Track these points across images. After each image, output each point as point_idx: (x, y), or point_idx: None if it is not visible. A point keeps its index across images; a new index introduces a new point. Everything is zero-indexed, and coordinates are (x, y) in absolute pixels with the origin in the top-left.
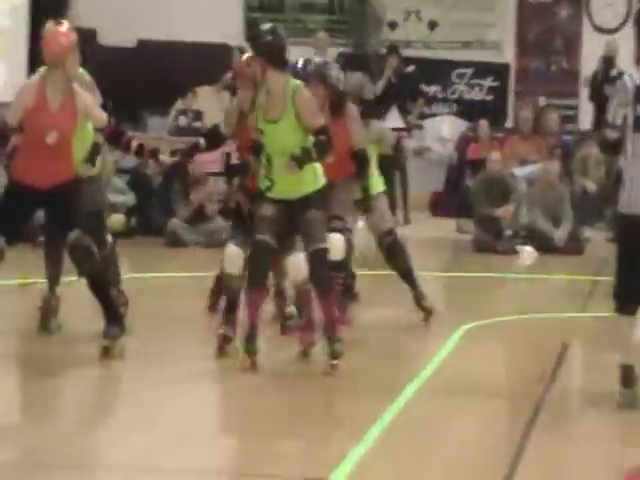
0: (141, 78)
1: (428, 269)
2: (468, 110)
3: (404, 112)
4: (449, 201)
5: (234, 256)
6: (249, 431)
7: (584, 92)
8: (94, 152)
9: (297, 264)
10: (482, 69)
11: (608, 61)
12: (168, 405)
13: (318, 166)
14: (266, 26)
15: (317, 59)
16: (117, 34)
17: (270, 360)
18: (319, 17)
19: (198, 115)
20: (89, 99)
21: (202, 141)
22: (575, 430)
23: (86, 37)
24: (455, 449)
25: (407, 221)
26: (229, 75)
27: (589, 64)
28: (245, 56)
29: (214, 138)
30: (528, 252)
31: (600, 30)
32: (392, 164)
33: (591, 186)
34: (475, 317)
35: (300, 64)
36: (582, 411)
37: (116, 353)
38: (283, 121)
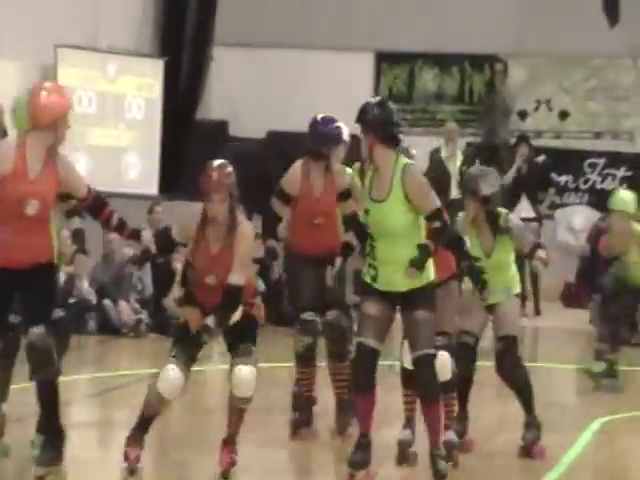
0: (271, 167)
1: (561, 361)
2: (601, 200)
3: (535, 202)
4: (582, 292)
5: (173, 380)
6: None
7: None
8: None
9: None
10: (615, 159)
11: None
12: None
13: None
14: (374, 99)
15: (474, 169)
16: (249, 125)
17: None
18: (448, 107)
19: None
20: (72, 164)
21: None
22: None
23: (218, 128)
24: None
25: (538, 312)
26: (357, 165)
27: None
28: (223, 167)
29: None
30: None
31: None
32: (523, 255)
33: None
34: (611, 411)
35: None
36: None
37: None
38: (390, 200)
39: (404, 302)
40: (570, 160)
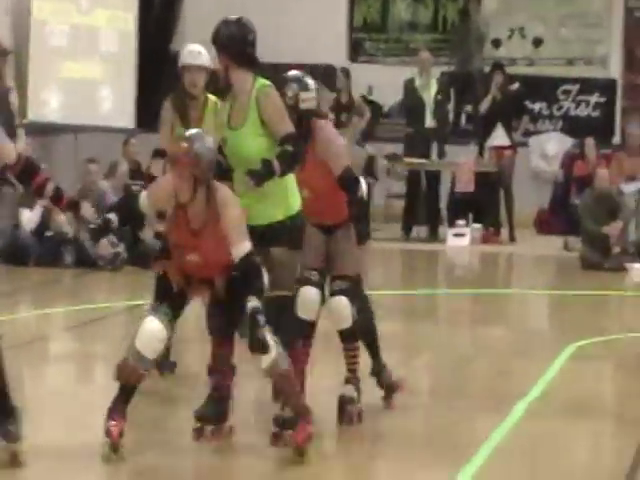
0: None
1: (535, 287)
2: (574, 127)
3: (509, 130)
4: (556, 219)
5: (153, 333)
6: (360, 453)
7: None
8: None
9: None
10: (588, 85)
11: None
12: None
13: (291, 187)
14: (231, 17)
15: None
16: None
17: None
18: (422, 36)
19: None
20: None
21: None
22: None
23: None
24: (563, 471)
25: (512, 239)
26: (333, 95)
27: None
28: (183, 142)
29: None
30: (637, 269)
31: None
32: (496, 182)
33: None
34: (583, 336)
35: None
36: None
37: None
38: (246, 126)
39: (262, 237)
40: (544, 87)
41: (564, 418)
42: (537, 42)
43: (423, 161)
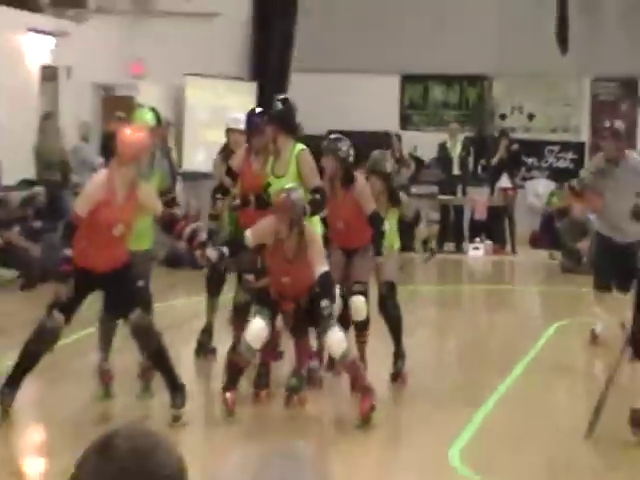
0: None
1: (529, 285)
2: (556, 175)
3: (512, 177)
4: (544, 238)
5: (259, 330)
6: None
7: None
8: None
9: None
10: (566, 146)
11: None
12: None
13: (315, 222)
14: (280, 96)
15: (332, 135)
16: (316, 126)
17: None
18: (452, 112)
19: None
20: (150, 190)
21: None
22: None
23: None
24: (550, 410)
25: (514, 251)
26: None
27: None
28: (283, 194)
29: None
30: None
31: None
32: (503, 213)
33: None
34: (563, 318)
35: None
36: None
37: (183, 421)
38: (287, 177)
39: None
40: (535, 147)
41: (551, 375)
42: (530, 116)
43: (451, 197)
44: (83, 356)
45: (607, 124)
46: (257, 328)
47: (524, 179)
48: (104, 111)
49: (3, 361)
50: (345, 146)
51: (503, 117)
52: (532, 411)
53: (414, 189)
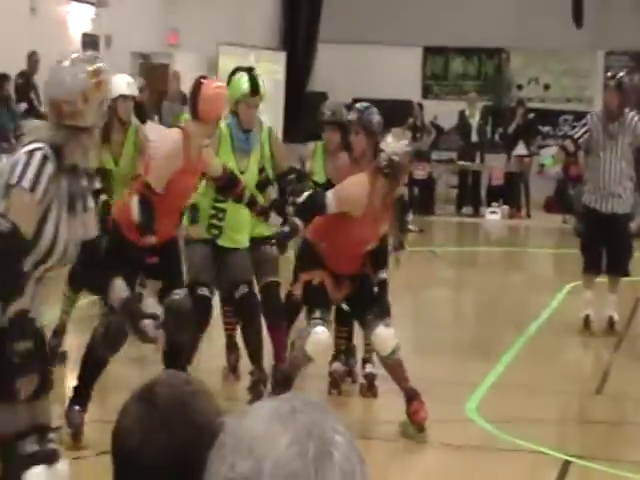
0: None
1: (543, 247)
2: None
3: (528, 144)
4: (557, 203)
5: (323, 342)
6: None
7: None
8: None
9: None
10: (579, 116)
11: None
12: None
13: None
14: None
15: (359, 105)
16: (341, 94)
17: None
18: (471, 82)
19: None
20: (209, 148)
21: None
22: None
23: (321, 96)
24: (562, 367)
25: (529, 216)
26: (411, 120)
27: None
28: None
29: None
30: None
31: None
32: (518, 178)
33: None
34: (575, 278)
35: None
36: None
37: None
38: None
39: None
40: (550, 117)
41: (564, 333)
42: (546, 87)
43: (470, 163)
44: None
45: (610, 73)
46: (322, 340)
47: (539, 147)
48: (138, 77)
49: None
50: (376, 119)
51: (520, 87)
52: (546, 367)
53: (434, 155)
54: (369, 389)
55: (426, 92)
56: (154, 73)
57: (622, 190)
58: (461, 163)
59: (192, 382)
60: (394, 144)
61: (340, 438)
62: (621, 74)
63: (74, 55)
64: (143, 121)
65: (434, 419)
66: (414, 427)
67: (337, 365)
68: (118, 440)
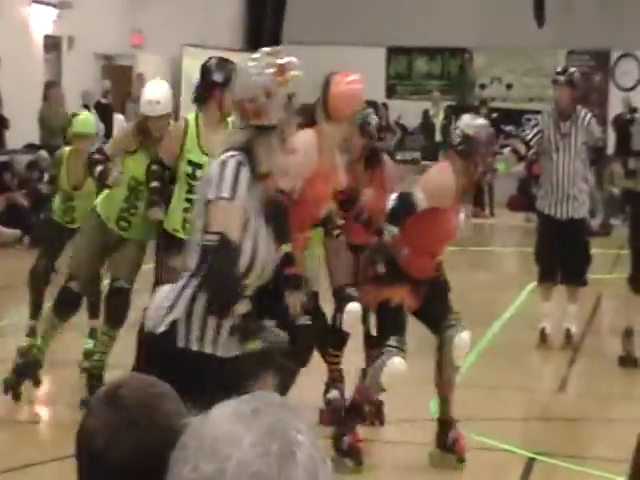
0: None
1: (506, 245)
2: None
3: None
4: (520, 201)
5: (400, 374)
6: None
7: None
8: None
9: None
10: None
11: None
12: None
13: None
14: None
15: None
16: (305, 95)
17: None
18: (434, 82)
19: None
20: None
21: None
22: (609, 350)
23: None
24: (523, 363)
25: (492, 214)
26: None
27: (613, 111)
28: None
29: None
30: None
31: (620, 89)
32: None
33: (616, 191)
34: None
35: None
36: (611, 341)
37: None
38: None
39: None
40: (513, 116)
41: (527, 331)
42: (509, 86)
43: (433, 162)
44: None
45: (560, 69)
46: (399, 371)
47: (502, 146)
48: (104, 80)
49: (14, 315)
50: (374, 120)
51: (483, 87)
52: (509, 365)
53: (398, 155)
54: (376, 415)
55: (390, 92)
56: (117, 75)
57: (577, 192)
58: (425, 163)
59: (157, 384)
60: (469, 120)
61: (303, 438)
62: (572, 69)
63: (260, 51)
64: (108, 123)
65: (397, 418)
66: (456, 457)
67: (335, 394)
68: (83, 442)
